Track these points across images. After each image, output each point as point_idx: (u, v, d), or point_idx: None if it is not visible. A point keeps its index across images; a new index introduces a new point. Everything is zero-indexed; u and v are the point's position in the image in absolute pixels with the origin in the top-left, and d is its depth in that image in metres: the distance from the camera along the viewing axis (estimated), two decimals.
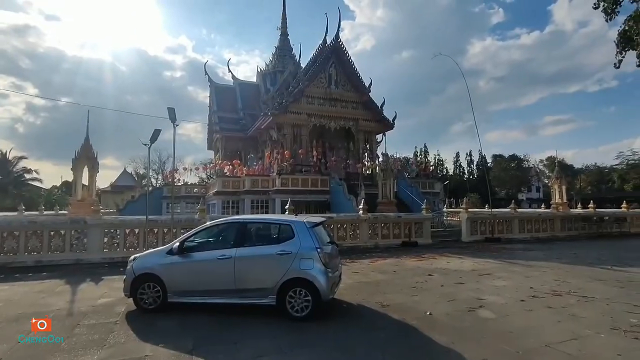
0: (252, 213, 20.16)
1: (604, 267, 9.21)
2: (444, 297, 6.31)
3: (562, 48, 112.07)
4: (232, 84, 36.31)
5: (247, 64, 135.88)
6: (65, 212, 21.23)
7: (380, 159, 22.65)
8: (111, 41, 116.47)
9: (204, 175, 42.39)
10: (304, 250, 5.01)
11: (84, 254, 10.25)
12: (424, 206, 14.52)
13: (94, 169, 14.11)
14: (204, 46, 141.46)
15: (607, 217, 17.72)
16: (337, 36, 24.89)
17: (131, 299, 5.38)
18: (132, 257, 5.70)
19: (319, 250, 5.00)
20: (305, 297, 4.89)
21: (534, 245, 14.06)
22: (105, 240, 10.62)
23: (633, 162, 57.06)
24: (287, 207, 12.26)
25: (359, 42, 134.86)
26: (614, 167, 61.76)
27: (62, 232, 10.24)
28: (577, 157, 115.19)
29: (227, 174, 23.36)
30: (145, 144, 9.69)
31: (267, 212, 20.46)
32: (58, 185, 73.15)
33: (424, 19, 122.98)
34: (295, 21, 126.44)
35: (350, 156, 25.23)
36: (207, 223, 5.79)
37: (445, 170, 65.33)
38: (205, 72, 35.23)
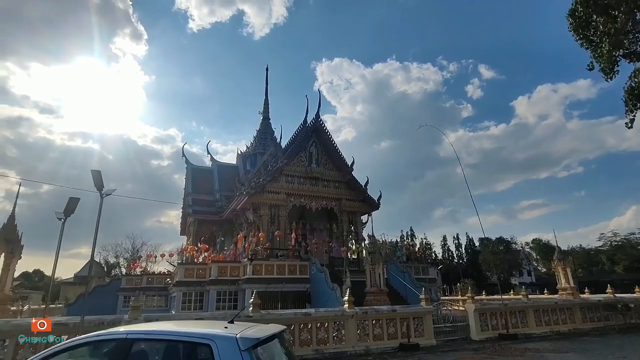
0: (218, 308, 16.88)
1: None
2: None
3: (528, 138, 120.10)
4: (210, 165, 35.19)
5: (234, 153, 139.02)
6: None
7: (367, 241, 20.41)
8: (101, 132, 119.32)
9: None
10: None
11: None
12: (422, 296, 11.95)
13: (13, 254, 11.31)
14: (192, 137, 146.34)
15: (632, 305, 15.27)
16: (317, 116, 24.54)
17: None
18: None
19: None
20: None
21: (560, 344, 11.33)
22: None
23: (616, 243, 56.19)
24: (251, 300, 9.55)
25: (341, 133, 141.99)
26: (599, 248, 60.57)
27: None
28: (557, 239, 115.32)
29: (195, 260, 20.49)
30: (60, 218, 7.38)
31: (235, 307, 17.20)
32: (15, 276, 66.49)
33: (399, 113, 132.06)
34: (279, 109, 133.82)
35: (334, 239, 22.91)
36: (67, 341, 3.29)
37: (434, 254, 62.76)
38: (183, 153, 34.33)
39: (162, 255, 26.58)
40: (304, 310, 10.00)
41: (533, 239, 71.52)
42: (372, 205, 24.94)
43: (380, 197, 25.26)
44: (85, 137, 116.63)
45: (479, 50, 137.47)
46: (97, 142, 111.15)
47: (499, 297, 15.39)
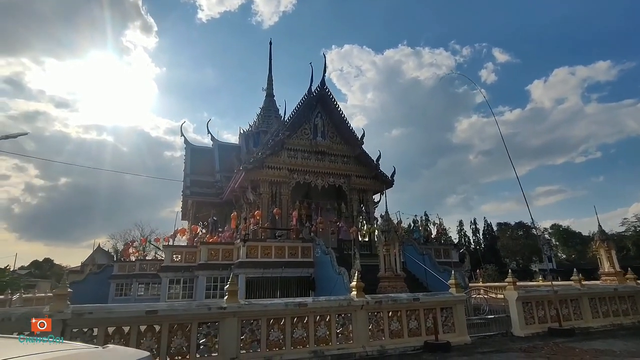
0: (208, 296, 14.67)
1: None
2: None
3: (543, 123, 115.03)
4: (211, 145, 32.97)
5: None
6: None
7: (379, 221, 17.89)
8: (116, 124, 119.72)
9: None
10: None
11: None
12: (451, 281, 9.41)
13: None
14: (204, 127, 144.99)
15: None
16: (322, 83, 21.81)
17: None
18: None
19: None
20: None
21: (633, 342, 8.71)
22: None
23: None
24: (226, 287, 7.17)
25: (352, 121, 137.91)
26: (622, 234, 56.76)
27: None
28: (575, 226, 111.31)
29: (188, 244, 18.36)
30: None
31: None
32: (26, 265, 66.90)
33: (411, 100, 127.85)
34: (286, 98, 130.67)
35: (343, 219, 20.43)
36: None
37: (450, 239, 60.01)
38: (182, 133, 32.16)
39: (157, 240, 24.60)
40: (297, 300, 7.57)
41: (552, 225, 68.15)
42: (385, 182, 22.32)
43: (394, 173, 22.64)
44: (99, 129, 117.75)
45: (493, 34, 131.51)
46: (111, 134, 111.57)
47: (549, 282, 12.74)
